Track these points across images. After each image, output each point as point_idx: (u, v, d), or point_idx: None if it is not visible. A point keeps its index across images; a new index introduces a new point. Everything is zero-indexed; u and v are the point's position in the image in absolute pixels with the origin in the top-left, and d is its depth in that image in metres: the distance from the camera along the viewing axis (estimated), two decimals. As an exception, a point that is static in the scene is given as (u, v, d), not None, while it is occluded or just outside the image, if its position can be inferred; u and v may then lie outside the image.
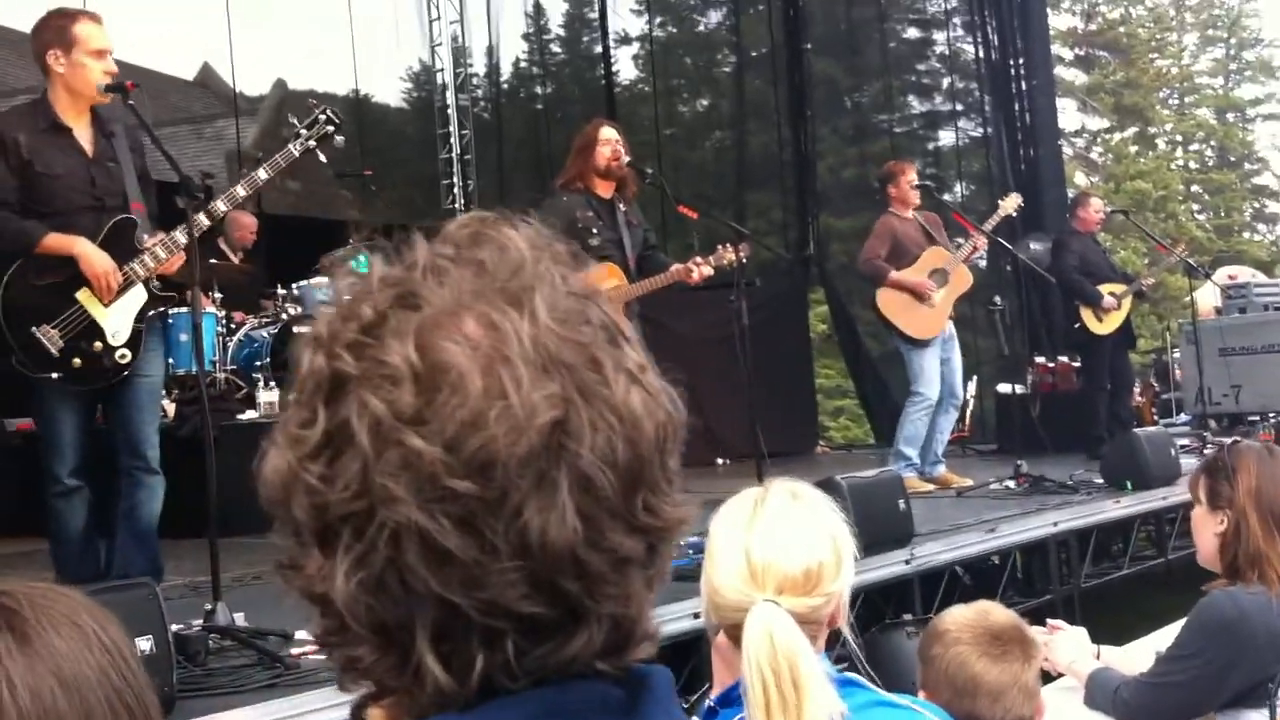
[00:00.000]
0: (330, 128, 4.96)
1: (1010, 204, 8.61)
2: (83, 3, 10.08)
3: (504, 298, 0.80)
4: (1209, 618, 3.21)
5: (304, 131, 4.92)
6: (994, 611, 2.85)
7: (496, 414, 0.76)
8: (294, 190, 19.46)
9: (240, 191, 4.79)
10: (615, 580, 0.81)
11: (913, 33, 15.36)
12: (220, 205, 4.74)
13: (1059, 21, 36.91)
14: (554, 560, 0.77)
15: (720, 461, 9.92)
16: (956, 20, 14.02)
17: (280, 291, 8.36)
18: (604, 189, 6.27)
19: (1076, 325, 9.65)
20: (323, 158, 5.13)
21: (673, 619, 4.12)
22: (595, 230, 6.17)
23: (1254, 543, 3.17)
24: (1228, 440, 3.51)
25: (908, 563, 5.56)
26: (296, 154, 4.95)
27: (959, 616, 2.87)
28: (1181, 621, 3.34)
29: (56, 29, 4.64)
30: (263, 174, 4.84)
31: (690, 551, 3.87)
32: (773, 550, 1.83)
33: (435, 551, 0.76)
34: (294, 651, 3.73)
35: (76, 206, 4.58)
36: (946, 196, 13.39)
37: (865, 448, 13.61)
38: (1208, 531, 3.30)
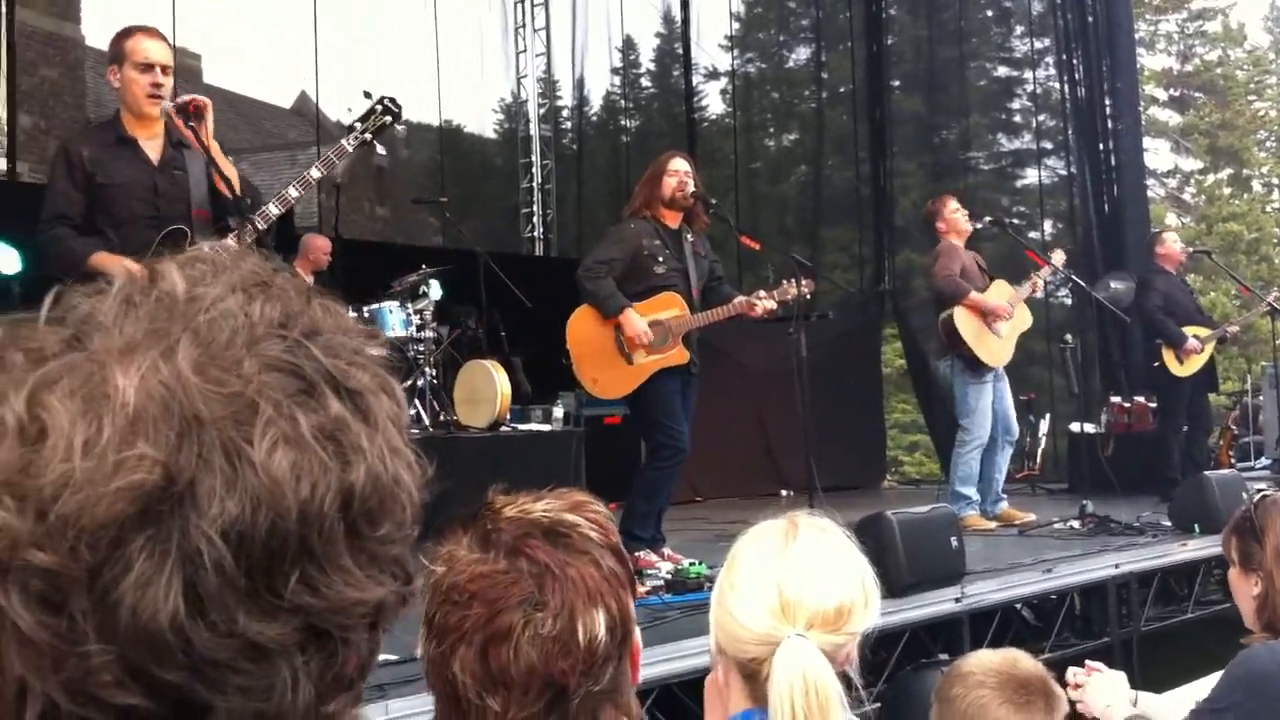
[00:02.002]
0: (388, 118, 4.91)
1: (1057, 259, 8.51)
2: (171, 30, 10.36)
3: (159, 341, 0.71)
4: (1246, 670, 3.11)
5: (358, 125, 4.91)
6: (1022, 660, 2.81)
7: (84, 476, 0.67)
8: (381, 216, 19.81)
9: (292, 192, 4.76)
10: (249, 671, 0.69)
11: (1002, 71, 15.30)
12: (272, 208, 4.71)
13: (1154, 62, 36.50)
14: (147, 645, 0.67)
15: (784, 493, 9.88)
16: (1049, 59, 13.94)
17: (353, 314, 8.48)
18: (671, 219, 6.29)
19: (1156, 365, 9.49)
20: (381, 150, 5.09)
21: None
22: (661, 259, 6.19)
23: None
24: (1255, 496, 3.38)
25: (958, 601, 5.50)
26: (350, 148, 4.93)
27: (985, 660, 2.83)
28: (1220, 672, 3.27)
29: (114, 47, 4.76)
30: (315, 172, 4.84)
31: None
32: (806, 584, 1.81)
33: (14, 630, 0.67)
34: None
35: (137, 215, 4.64)
36: (1033, 235, 13.29)
37: (936, 483, 13.47)
38: (1244, 595, 3.22)
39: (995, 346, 8.11)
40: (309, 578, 0.70)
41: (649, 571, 5.49)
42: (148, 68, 4.68)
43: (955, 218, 8.30)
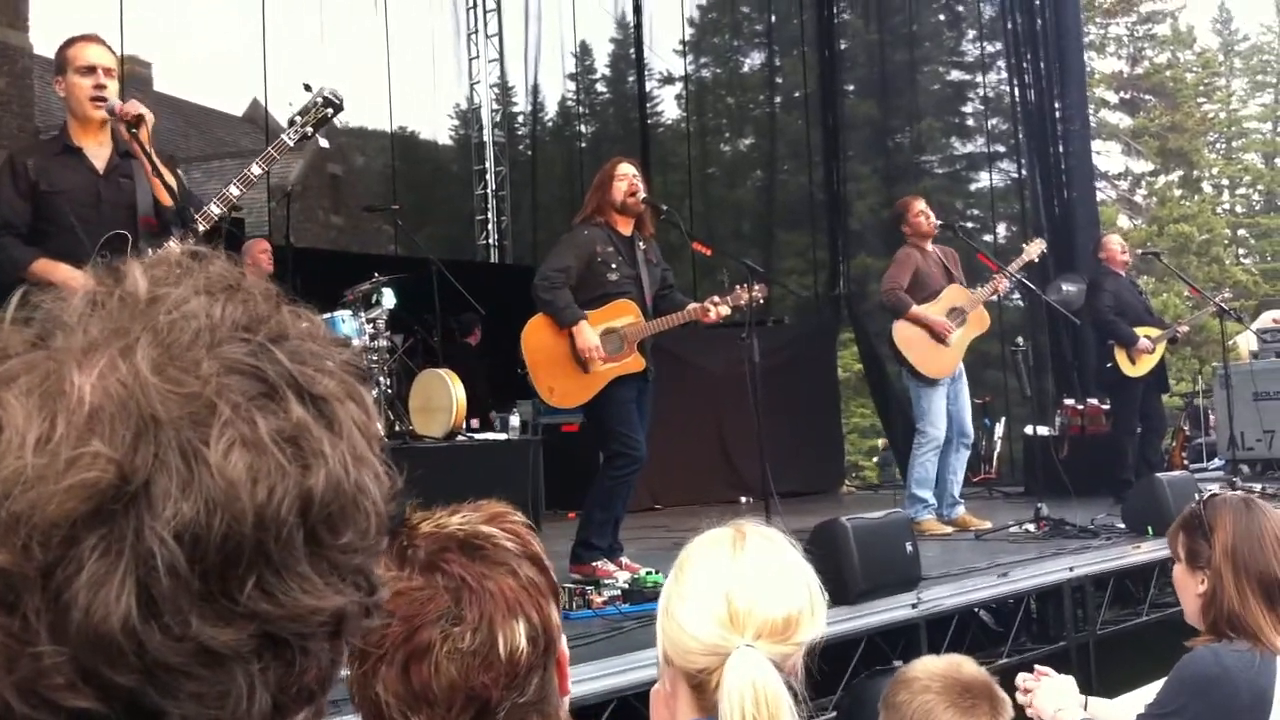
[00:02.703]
0: (329, 109, 4.86)
1: (1034, 249, 8.55)
2: (120, 38, 10.26)
3: (118, 340, 0.71)
4: (1190, 674, 3.11)
5: (299, 118, 4.85)
6: (965, 665, 2.83)
7: (36, 473, 0.66)
8: (335, 224, 19.71)
9: (233, 190, 4.72)
10: (203, 677, 0.68)
11: (955, 75, 15.40)
12: (214, 207, 4.67)
13: (1104, 65, 36.88)
14: (99, 646, 0.66)
15: (743, 499, 9.88)
16: (1000, 63, 14.03)
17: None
18: (623, 225, 6.27)
19: (1109, 365, 9.55)
20: (324, 142, 5.05)
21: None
22: (614, 265, 6.17)
23: (1231, 606, 3.06)
24: (1204, 494, 3.38)
25: (914, 606, 5.50)
26: (291, 143, 4.87)
27: (929, 666, 2.85)
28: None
29: (58, 57, 4.74)
30: (256, 169, 4.78)
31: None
32: (755, 594, 1.80)
33: None
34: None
35: (78, 222, 4.60)
36: (987, 237, 13.38)
37: (895, 487, 13.53)
38: (1189, 592, 3.22)
39: (939, 356, 8.12)
40: (266, 584, 0.69)
41: (606, 581, 5.47)
42: (89, 70, 4.66)
43: (918, 220, 8.32)
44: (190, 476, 0.67)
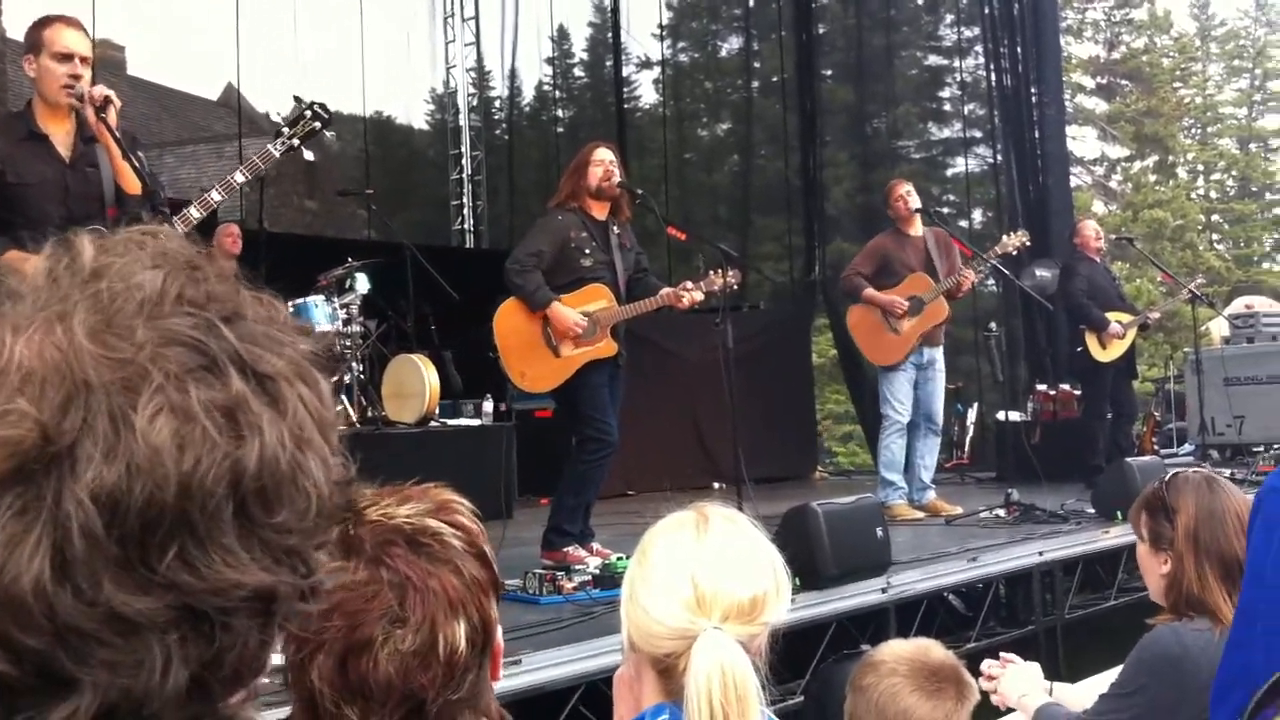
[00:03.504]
0: (317, 123, 4.86)
1: (1014, 241, 8.54)
2: (92, 20, 10.19)
3: (58, 307, 0.71)
4: (1152, 654, 3.13)
5: (286, 130, 4.85)
6: (933, 649, 2.85)
7: None
8: (310, 209, 19.61)
9: (215, 196, 4.70)
10: (116, 645, 0.68)
11: (932, 60, 15.41)
12: (194, 211, 4.63)
13: (1081, 50, 36.91)
14: (9, 608, 0.66)
15: (716, 485, 9.88)
16: (978, 48, 14.05)
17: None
18: (597, 210, 6.26)
19: (1079, 350, 9.60)
20: (309, 155, 5.05)
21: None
22: (587, 250, 6.16)
23: (1191, 587, 3.08)
24: (1167, 475, 3.39)
25: (884, 591, 5.53)
26: (277, 153, 4.87)
27: (897, 649, 2.86)
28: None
29: (31, 35, 4.62)
30: (239, 176, 4.77)
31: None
32: (721, 577, 1.78)
33: None
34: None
35: (49, 216, 4.51)
36: (963, 223, 13.41)
37: (869, 473, 13.58)
38: (1153, 572, 3.23)
39: (887, 343, 8.17)
40: (187, 554, 0.69)
41: (577, 567, 5.48)
42: (66, 58, 4.55)
43: (897, 204, 8.35)
44: (116, 441, 0.67)
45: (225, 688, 0.74)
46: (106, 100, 4.57)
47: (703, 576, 1.78)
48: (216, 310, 0.74)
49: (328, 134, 4.85)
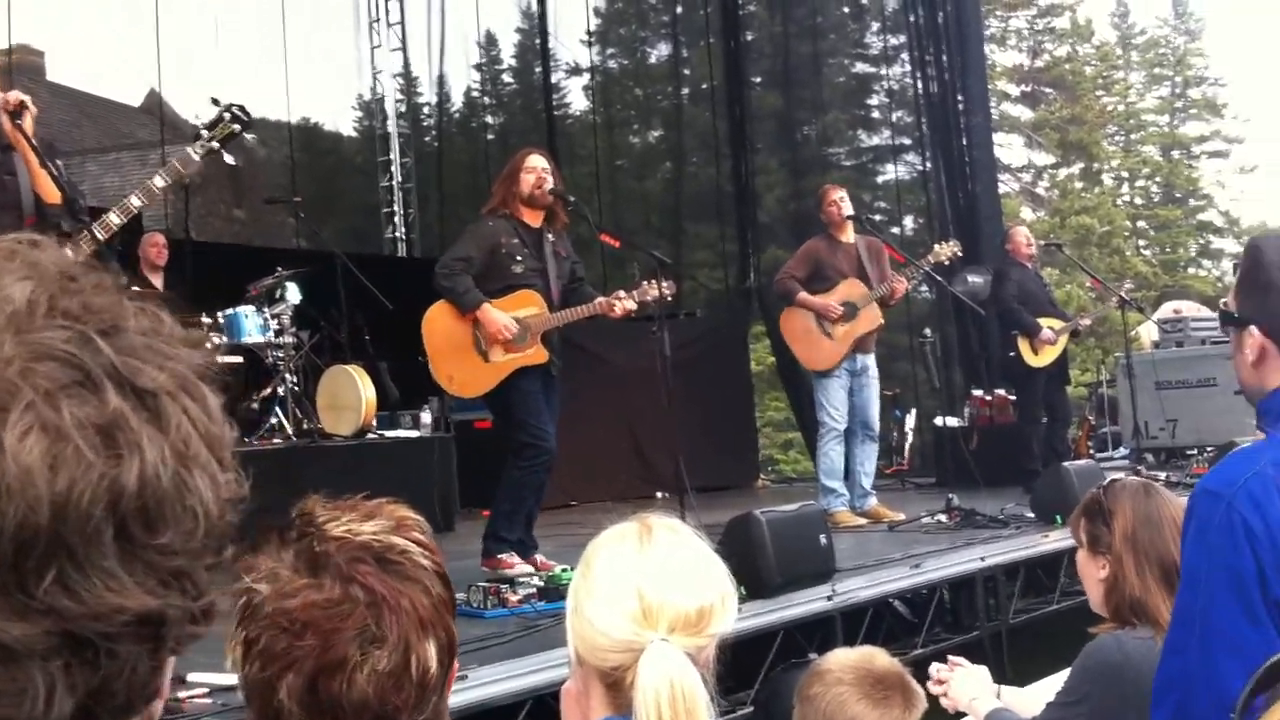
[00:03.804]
0: (236, 126, 4.78)
1: (945, 251, 8.58)
2: (7, 24, 9.97)
3: None
4: (1094, 662, 3.13)
5: (205, 133, 4.77)
6: (878, 657, 2.85)
7: None
8: (238, 218, 19.38)
9: (135, 202, 4.59)
10: None
11: (860, 67, 15.49)
12: (113, 217, 4.51)
13: (1005, 58, 37.43)
14: None
15: (659, 494, 9.85)
16: (904, 56, 14.14)
17: (206, 320, 8.23)
18: (531, 217, 6.21)
19: (1011, 355, 9.68)
20: (229, 159, 4.97)
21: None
22: (519, 257, 6.11)
23: (1131, 591, 3.09)
24: (1105, 480, 3.41)
25: (829, 599, 5.51)
26: (197, 157, 4.78)
27: (842, 658, 2.86)
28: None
29: None
30: (159, 181, 4.68)
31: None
32: (666, 588, 1.75)
33: None
34: (181, 695, 3.62)
35: None
36: (895, 230, 13.47)
37: (812, 481, 13.61)
38: (1092, 578, 3.24)
39: (820, 348, 8.19)
40: (66, 578, 0.66)
41: (520, 579, 5.40)
42: None
43: (830, 209, 8.37)
44: None
45: (116, 716, 0.71)
46: (22, 106, 4.43)
47: (648, 588, 1.75)
48: (93, 323, 0.70)
49: (249, 138, 4.81)
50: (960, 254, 8.92)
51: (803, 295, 8.14)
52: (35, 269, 0.71)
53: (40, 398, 0.66)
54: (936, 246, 8.69)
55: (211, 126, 4.78)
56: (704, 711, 1.67)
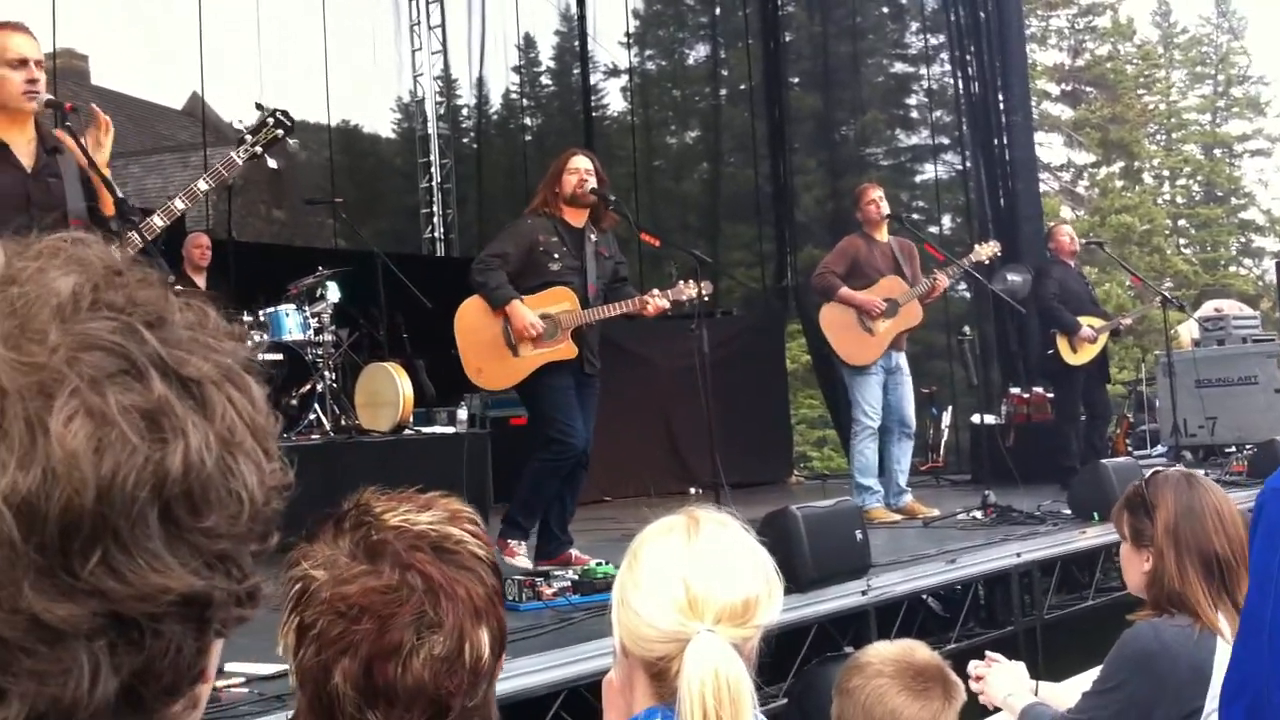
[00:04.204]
0: (280, 131, 4.84)
1: (986, 251, 8.54)
2: (52, 30, 10.10)
3: None
4: (1132, 650, 3.14)
5: (249, 137, 4.84)
6: (918, 649, 2.85)
7: None
8: (277, 219, 19.52)
9: (179, 204, 4.65)
10: (41, 654, 0.66)
11: (899, 67, 15.46)
12: (157, 220, 4.57)
13: (1046, 57, 37.19)
14: None
15: (692, 490, 9.88)
16: (944, 56, 14.10)
17: (247, 318, 8.33)
18: (574, 217, 6.26)
19: (1050, 353, 9.66)
20: (272, 163, 5.03)
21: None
22: (556, 255, 6.16)
23: (1172, 583, 3.10)
24: (1147, 473, 3.41)
25: (864, 594, 5.50)
26: (240, 161, 4.85)
27: (882, 651, 2.86)
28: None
29: None
30: (202, 185, 4.73)
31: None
32: (713, 579, 1.77)
33: None
34: (219, 684, 3.66)
35: (10, 226, 4.44)
36: (933, 229, 13.44)
37: (844, 477, 13.60)
38: (1135, 570, 3.24)
39: (862, 343, 8.17)
40: (111, 559, 0.67)
41: (556, 572, 5.44)
42: (21, 63, 4.46)
43: (868, 208, 8.37)
44: (31, 447, 0.66)
45: (161, 698, 0.72)
46: (76, 111, 4.51)
47: (694, 579, 1.77)
48: (138, 315, 0.72)
49: (291, 142, 4.87)
50: (1000, 254, 8.89)
51: (845, 291, 8.13)
52: (81, 263, 0.73)
53: (85, 384, 0.68)
54: (977, 246, 8.66)
55: (255, 131, 4.84)
56: (748, 701, 1.68)
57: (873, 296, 8.13)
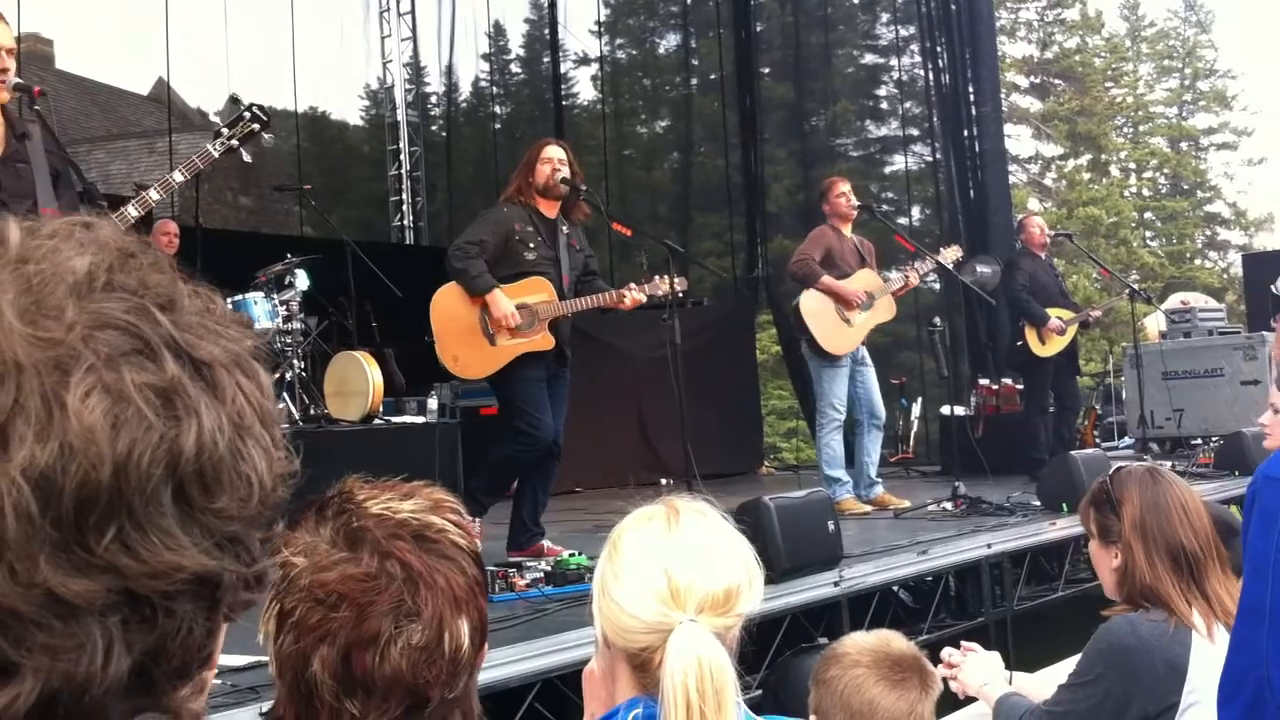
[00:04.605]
0: (255, 125, 4.87)
1: (950, 255, 8.56)
2: (17, 13, 9.99)
3: None
4: (1107, 644, 3.15)
5: (225, 130, 4.84)
6: (895, 640, 2.85)
7: None
8: (244, 206, 19.39)
9: (153, 195, 4.66)
10: (55, 629, 0.66)
11: (869, 58, 15.49)
12: (132, 210, 4.54)
13: (1015, 50, 37.35)
14: None
15: (664, 481, 9.87)
16: (914, 47, 14.14)
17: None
18: (546, 208, 6.23)
19: (1019, 344, 9.70)
20: (247, 157, 5.03)
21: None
22: (532, 245, 6.13)
23: (1142, 578, 3.11)
24: (1111, 469, 3.42)
25: (836, 585, 5.51)
26: (216, 154, 4.86)
27: (859, 641, 2.86)
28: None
29: None
30: (178, 176, 4.73)
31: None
32: (694, 569, 1.76)
33: None
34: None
35: None
36: (902, 220, 13.47)
37: (814, 468, 13.62)
38: (1104, 567, 3.25)
39: (841, 334, 8.16)
40: (126, 536, 0.68)
41: (528, 564, 5.42)
42: None
43: (838, 201, 8.35)
44: (48, 421, 0.66)
45: (171, 679, 0.73)
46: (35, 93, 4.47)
47: (676, 569, 1.76)
48: (150, 297, 0.72)
49: (266, 136, 4.90)
50: (961, 258, 8.91)
51: (828, 279, 8.10)
52: (95, 244, 0.73)
53: (102, 362, 0.68)
54: (943, 249, 8.67)
55: (231, 125, 4.86)
56: (732, 691, 1.68)
57: (855, 288, 8.13)
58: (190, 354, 0.72)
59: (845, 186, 8.47)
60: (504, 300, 6.00)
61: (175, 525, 0.69)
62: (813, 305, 8.17)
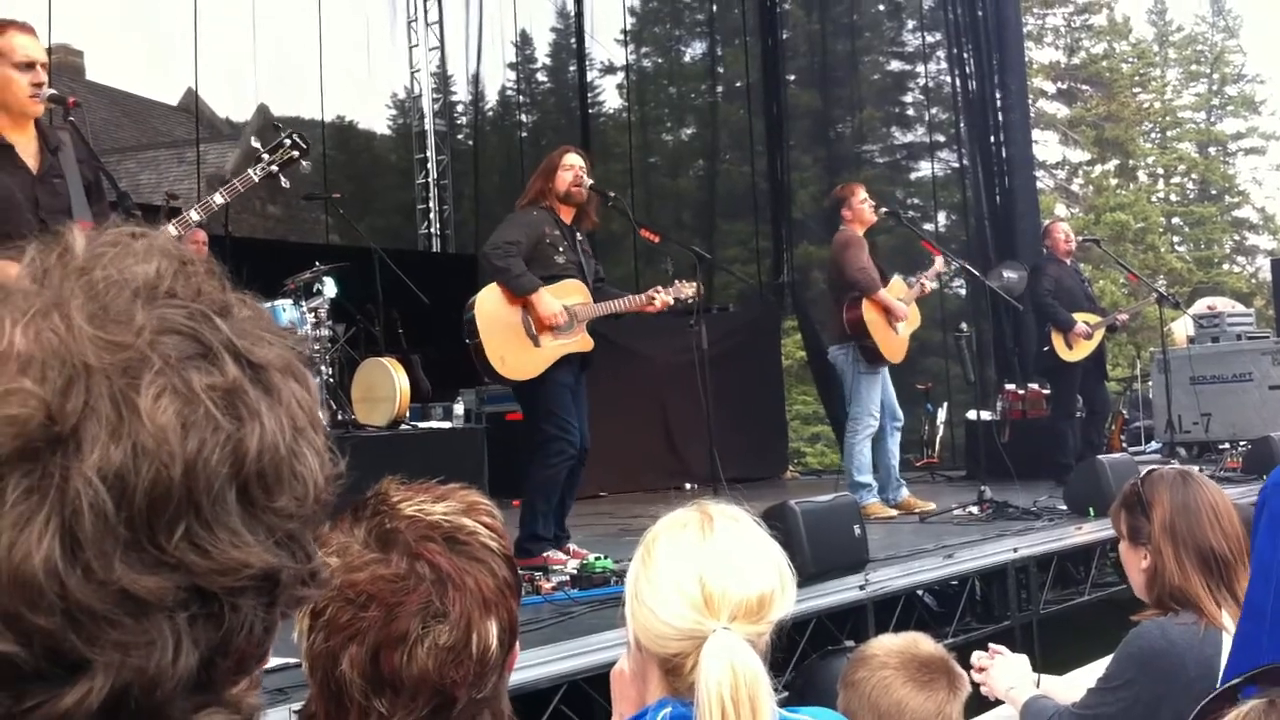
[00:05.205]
0: (295, 152, 4.95)
1: (937, 265, 8.64)
2: (48, 25, 10.08)
3: (53, 296, 0.72)
4: (1138, 648, 3.15)
5: (266, 156, 4.90)
6: (923, 642, 2.85)
7: None
8: (272, 214, 19.49)
9: (194, 216, 4.74)
10: (127, 625, 0.68)
11: (896, 65, 15.47)
12: (171, 229, 4.52)
13: (1042, 55, 37.21)
14: (20, 588, 0.66)
15: (688, 486, 9.89)
16: (940, 54, 14.11)
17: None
18: (564, 214, 6.25)
19: (1045, 349, 9.68)
20: (285, 182, 5.09)
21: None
22: (560, 249, 6.16)
23: (1171, 580, 3.12)
24: (1142, 471, 3.42)
25: (862, 588, 5.52)
26: (256, 179, 4.92)
27: (887, 643, 2.87)
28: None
29: None
30: (219, 199, 4.77)
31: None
32: (728, 576, 1.75)
33: None
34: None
35: (22, 229, 4.40)
36: (929, 226, 13.45)
37: (837, 473, 13.60)
38: (1134, 568, 3.26)
39: (895, 343, 8.23)
40: (194, 534, 0.69)
41: (555, 568, 5.44)
42: (29, 66, 4.44)
43: (862, 208, 8.36)
44: (120, 423, 0.68)
45: (231, 675, 0.75)
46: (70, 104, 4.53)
47: (710, 576, 1.75)
48: (206, 303, 0.75)
49: (304, 168, 5.00)
50: (943, 271, 8.97)
51: (881, 294, 8.15)
52: (155, 252, 0.76)
53: (169, 365, 0.70)
54: (937, 259, 8.70)
55: (273, 150, 4.93)
56: (766, 697, 1.67)
57: (894, 298, 8.19)
58: (247, 358, 0.74)
59: (865, 192, 8.48)
60: (550, 299, 5.98)
61: (240, 523, 0.71)
62: (873, 317, 8.19)
